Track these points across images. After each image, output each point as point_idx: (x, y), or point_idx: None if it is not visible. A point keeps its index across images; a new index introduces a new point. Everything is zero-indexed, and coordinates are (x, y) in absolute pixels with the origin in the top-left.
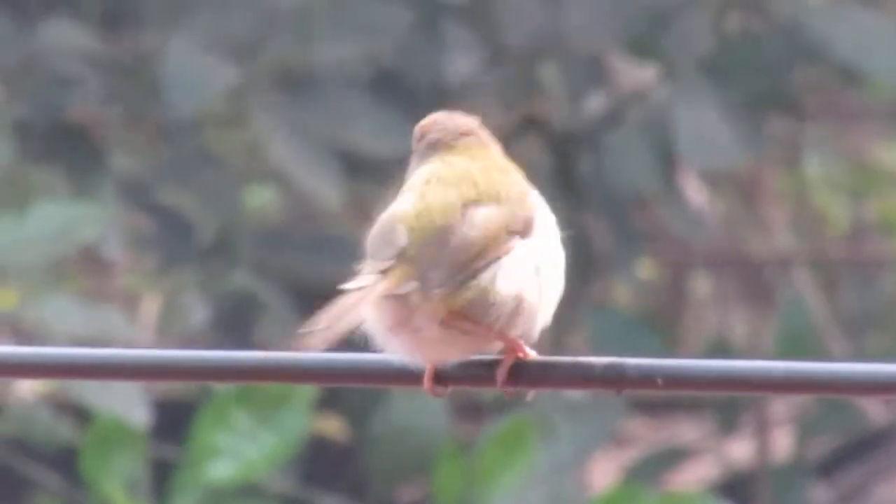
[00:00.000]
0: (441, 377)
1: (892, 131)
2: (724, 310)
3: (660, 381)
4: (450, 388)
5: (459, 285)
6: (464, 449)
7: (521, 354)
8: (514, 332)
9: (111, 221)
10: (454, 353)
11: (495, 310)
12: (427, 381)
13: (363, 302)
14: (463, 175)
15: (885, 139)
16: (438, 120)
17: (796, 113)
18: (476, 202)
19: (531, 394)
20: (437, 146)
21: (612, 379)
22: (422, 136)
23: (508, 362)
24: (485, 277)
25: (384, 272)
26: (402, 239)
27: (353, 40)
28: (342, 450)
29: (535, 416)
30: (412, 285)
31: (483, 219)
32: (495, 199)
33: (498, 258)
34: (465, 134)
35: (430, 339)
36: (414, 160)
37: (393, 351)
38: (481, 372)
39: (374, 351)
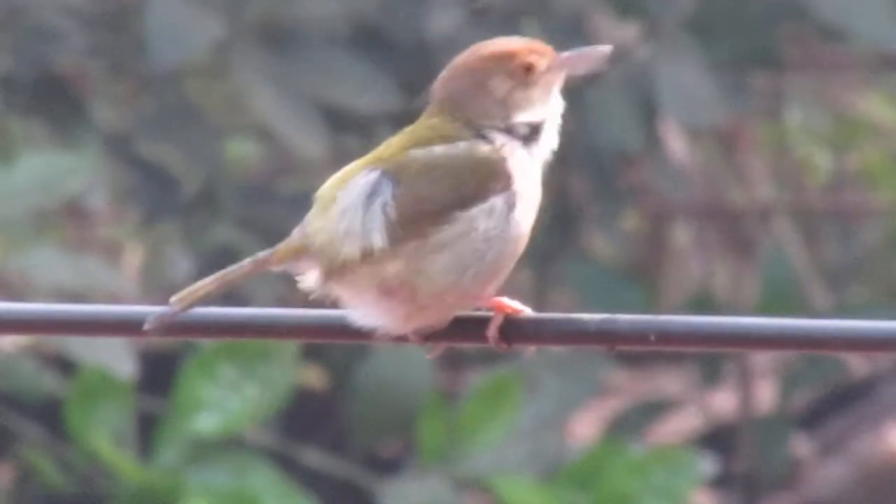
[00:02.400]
0: (432, 335)
1: (872, 83)
2: (706, 261)
3: (652, 337)
4: (443, 345)
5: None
6: (447, 401)
7: (509, 311)
8: (468, 297)
9: (95, 173)
10: (417, 322)
11: (421, 284)
12: (412, 338)
13: (233, 274)
14: (383, 149)
15: (866, 90)
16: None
17: (778, 66)
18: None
19: (531, 349)
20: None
21: (606, 335)
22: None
23: (498, 320)
24: (407, 253)
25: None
26: (309, 216)
27: None
28: (324, 402)
29: (519, 370)
30: (289, 263)
31: (354, 194)
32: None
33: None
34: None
35: (382, 314)
36: None
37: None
38: (474, 329)
39: None
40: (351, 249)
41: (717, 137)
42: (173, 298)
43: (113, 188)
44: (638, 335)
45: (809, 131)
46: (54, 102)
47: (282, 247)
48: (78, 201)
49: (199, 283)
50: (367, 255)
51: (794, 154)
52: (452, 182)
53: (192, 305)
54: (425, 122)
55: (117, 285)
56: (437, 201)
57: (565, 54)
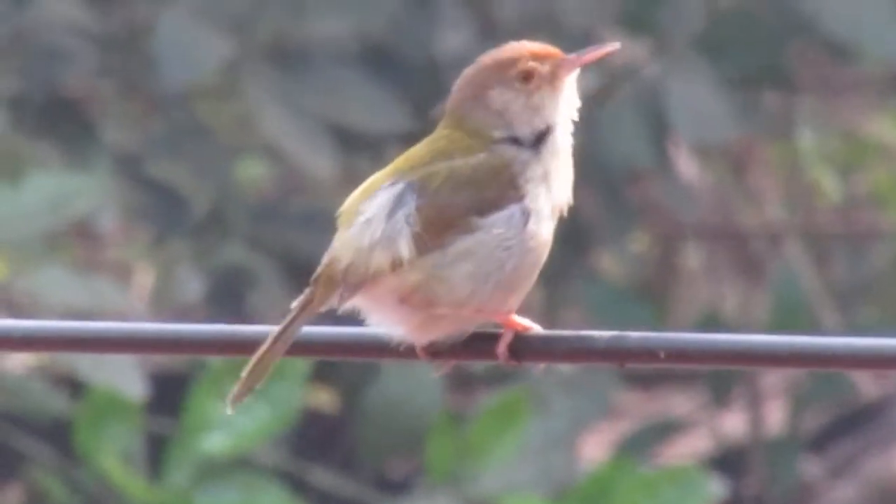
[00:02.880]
0: (442, 352)
1: (883, 104)
2: (716, 282)
3: (662, 354)
4: (452, 363)
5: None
6: (456, 420)
7: (519, 329)
8: (486, 311)
9: (104, 194)
10: (432, 333)
11: (442, 295)
12: (420, 350)
13: (284, 336)
14: (401, 162)
15: (877, 111)
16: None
17: (788, 86)
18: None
19: (541, 367)
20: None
21: (616, 352)
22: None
23: (508, 337)
24: (429, 261)
25: (311, 284)
26: (333, 244)
27: (346, 15)
28: (333, 422)
29: (528, 390)
30: (331, 296)
31: (377, 206)
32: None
33: (436, 242)
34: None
35: (399, 323)
36: None
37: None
38: (483, 346)
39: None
40: (379, 260)
41: (728, 158)
42: (229, 399)
43: (123, 208)
44: (648, 352)
45: (820, 152)
46: (64, 123)
47: (318, 286)
48: (87, 222)
49: (249, 367)
50: (396, 266)
51: (805, 175)
52: (472, 192)
53: (246, 394)
54: (442, 134)
55: (126, 305)
56: (457, 211)
57: (572, 55)
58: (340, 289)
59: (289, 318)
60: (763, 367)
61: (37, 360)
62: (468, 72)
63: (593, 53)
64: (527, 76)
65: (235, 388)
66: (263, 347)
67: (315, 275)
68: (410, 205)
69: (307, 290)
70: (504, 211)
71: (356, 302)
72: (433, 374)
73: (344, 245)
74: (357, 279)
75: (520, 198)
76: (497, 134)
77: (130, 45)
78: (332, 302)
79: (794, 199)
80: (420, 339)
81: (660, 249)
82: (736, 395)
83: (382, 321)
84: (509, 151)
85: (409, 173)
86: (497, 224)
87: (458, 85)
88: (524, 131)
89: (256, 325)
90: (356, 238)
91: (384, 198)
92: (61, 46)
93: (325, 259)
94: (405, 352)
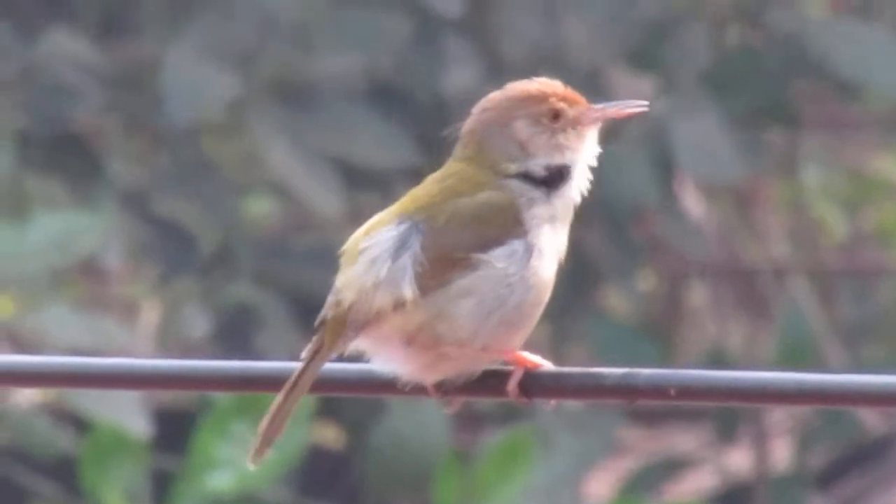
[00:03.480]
0: (452, 389)
1: (888, 142)
2: (721, 319)
3: (672, 391)
4: (462, 400)
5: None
6: (462, 459)
7: (529, 366)
8: (492, 349)
9: (111, 231)
10: (440, 373)
11: (450, 328)
12: (430, 387)
13: (298, 386)
14: (411, 198)
15: (882, 150)
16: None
17: (793, 123)
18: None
19: (552, 403)
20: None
21: (626, 389)
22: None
23: (518, 374)
24: (432, 300)
25: (317, 329)
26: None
27: (353, 52)
28: (338, 459)
29: (534, 429)
30: (342, 339)
31: (382, 245)
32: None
33: (440, 280)
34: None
35: (405, 363)
36: None
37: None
38: (493, 383)
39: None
40: (383, 301)
41: (733, 195)
42: (251, 456)
43: (129, 246)
44: (658, 389)
45: (825, 190)
46: (70, 160)
47: (326, 331)
48: (93, 259)
49: (267, 420)
50: (399, 306)
51: (810, 212)
52: (476, 229)
53: (267, 448)
54: (453, 170)
55: (132, 343)
56: (460, 249)
57: (599, 106)
58: (345, 330)
59: (301, 367)
60: (772, 405)
61: (42, 396)
62: (495, 97)
63: (620, 111)
64: (556, 115)
65: (255, 444)
66: (279, 399)
67: (320, 318)
68: (415, 245)
69: (315, 338)
70: (506, 246)
71: (362, 343)
72: (444, 411)
73: (348, 285)
74: (361, 320)
75: (523, 233)
76: (512, 167)
77: (137, 82)
78: (340, 346)
79: (799, 237)
80: (427, 378)
81: (666, 287)
82: (742, 433)
83: (389, 361)
84: (518, 187)
85: (414, 212)
86: (499, 259)
87: (482, 108)
88: (539, 167)
89: (265, 362)
90: (360, 278)
91: (389, 237)
92: (68, 83)
93: (329, 300)
94: (415, 389)
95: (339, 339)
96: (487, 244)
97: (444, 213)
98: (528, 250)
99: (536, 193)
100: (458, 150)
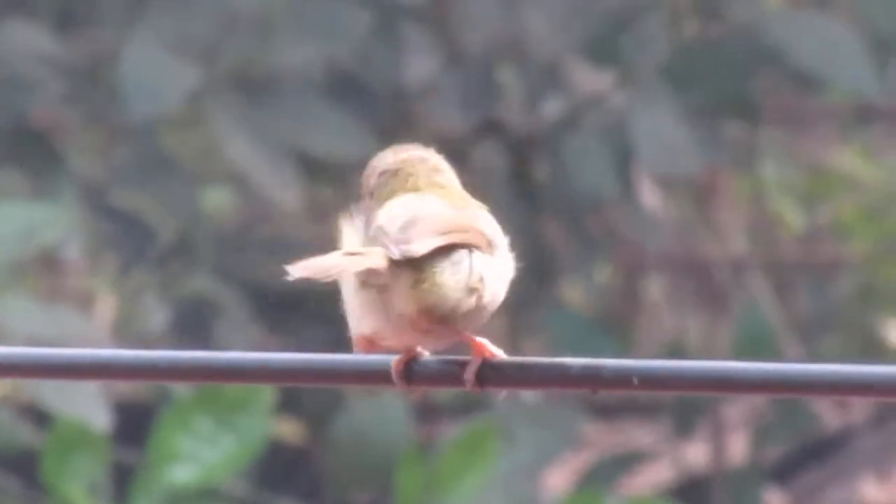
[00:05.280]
0: (410, 377)
1: (846, 135)
2: (679, 313)
3: (636, 380)
4: (422, 389)
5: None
6: (423, 452)
7: (487, 355)
8: (467, 327)
9: (70, 224)
10: (417, 341)
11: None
12: (396, 376)
13: (365, 261)
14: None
15: (840, 143)
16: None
17: (753, 117)
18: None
19: (504, 393)
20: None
21: (589, 379)
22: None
23: (477, 362)
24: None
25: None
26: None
27: (312, 43)
28: (298, 453)
29: (494, 422)
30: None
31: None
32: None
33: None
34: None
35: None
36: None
37: (366, 327)
38: (452, 370)
39: (343, 352)
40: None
41: (691, 189)
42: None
43: (88, 238)
44: (621, 378)
45: (783, 184)
46: (29, 152)
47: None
48: (52, 251)
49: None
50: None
51: (768, 206)
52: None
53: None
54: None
55: (91, 335)
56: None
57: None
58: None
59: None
60: (736, 394)
61: (3, 389)
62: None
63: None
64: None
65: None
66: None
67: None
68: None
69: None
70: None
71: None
72: (407, 397)
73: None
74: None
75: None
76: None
77: (96, 74)
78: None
79: (757, 231)
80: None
81: (623, 280)
82: (699, 426)
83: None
84: None
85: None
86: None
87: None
88: None
89: (224, 353)
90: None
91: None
92: (26, 75)
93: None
94: (378, 378)
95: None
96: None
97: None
98: (497, 244)
99: None
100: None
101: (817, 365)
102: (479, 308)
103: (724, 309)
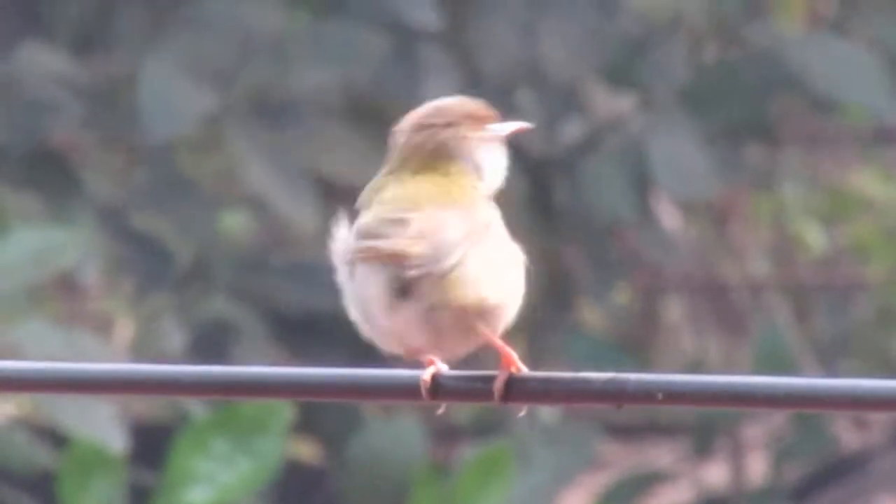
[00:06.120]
0: (436, 392)
1: (865, 157)
2: (698, 335)
3: (660, 395)
4: (448, 403)
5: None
6: (439, 473)
7: (514, 368)
8: (493, 325)
9: (88, 247)
10: (440, 343)
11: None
12: (424, 390)
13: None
14: (426, 189)
15: (859, 165)
16: (432, 114)
17: (771, 139)
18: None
19: (524, 409)
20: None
21: (613, 393)
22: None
23: (505, 374)
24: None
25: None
26: (408, 226)
27: (330, 66)
28: (315, 473)
29: (511, 442)
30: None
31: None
32: (458, 205)
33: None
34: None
35: (421, 323)
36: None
37: (382, 336)
38: (478, 386)
39: (371, 366)
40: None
41: (710, 211)
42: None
43: (106, 261)
44: (646, 393)
45: (802, 205)
46: (47, 175)
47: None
48: (70, 275)
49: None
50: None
51: (787, 228)
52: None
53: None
54: (434, 175)
55: (109, 358)
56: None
57: (500, 126)
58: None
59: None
60: (759, 409)
61: (17, 410)
62: (444, 114)
63: (514, 131)
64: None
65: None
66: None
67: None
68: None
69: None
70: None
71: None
72: (430, 413)
73: (425, 233)
74: (425, 268)
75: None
76: (479, 185)
77: (113, 97)
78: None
79: (776, 252)
80: (428, 352)
81: (642, 302)
82: (718, 447)
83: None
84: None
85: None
86: (507, 245)
87: (430, 123)
88: (489, 189)
89: (248, 367)
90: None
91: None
92: (44, 97)
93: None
94: (404, 393)
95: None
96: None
97: (468, 203)
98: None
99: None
100: (419, 162)
101: (840, 380)
102: (498, 304)
103: (742, 330)
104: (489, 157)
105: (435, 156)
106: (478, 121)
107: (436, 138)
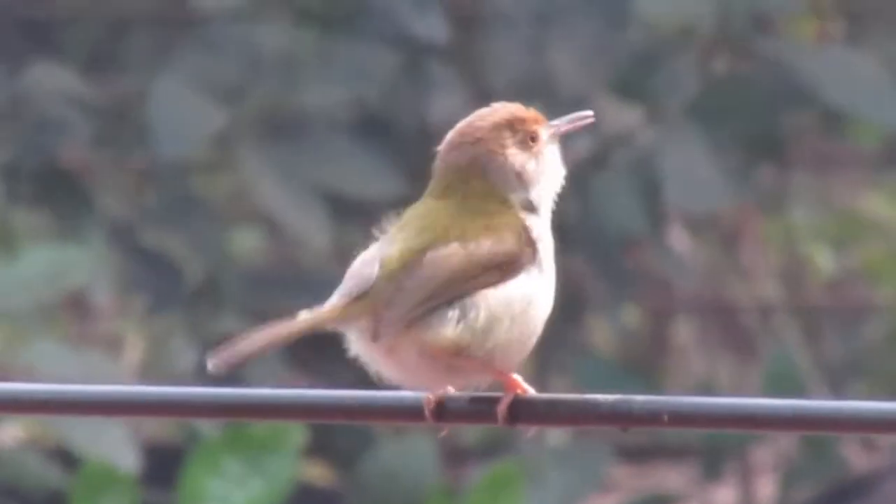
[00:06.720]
0: (441, 414)
1: (876, 180)
2: (707, 356)
3: (666, 417)
4: (452, 426)
5: (418, 319)
6: (450, 494)
7: (519, 391)
8: (495, 364)
9: (98, 266)
10: (442, 382)
11: (470, 341)
12: (428, 412)
13: (293, 328)
14: (435, 219)
15: (869, 188)
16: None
17: (781, 160)
18: (442, 243)
19: (532, 431)
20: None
21: (620, 416)
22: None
23: (508, 399)
24: (454, 313)
25: (346, 305)
26: (368, 280)
27: (339, 84)
28: (326, 495)
29: (520, 463)
30: (367, 318)
31: (441, 259)
32: (461, 238)
33: (467, 293)
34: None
35: (413, 369)
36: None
37: (388, 379)
38: (483, 408)
39: (377, 388)
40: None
41: (720, 232)
42: (210, 362)
43: (117, 279)
44: (651, 416)
45: (812, 228)
46: (58, 194)
47: (344, 304)
48: (81, 294)
49: (246, 342)
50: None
51: (797, 251)
52: (501, 251)
53: (232, 364)
54: (463, 199)
55: (119, 377)
56: (490, 265)
57: (556, 122)
58: (383, 322)
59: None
60: (766, 431)
61: (29, 432)
62: (478, 125)
63: (574, 124)
64: (534, 138)
65: (226, 351)
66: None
67: (351, 297)
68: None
69: (335, 305)
70: (526, 267)
71: (380, 351)
72: (436, 435)
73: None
74: (399, 323)
75: (535, 254)
76: (514, 197)
77: (124, 116)
78: (365, 327)
79: (786, 275)
80: (431, 387)
81: (651, 323)
82: (727, 469)
83: (394, 369)
84: (522, 211)
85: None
86: (522, 279)
87: (472, 138)
88: (537, 195)
89: (257, 389)
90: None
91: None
92: (55, 116)
93: (350, 290)
94: (410, 415)
95: (368, 321)
96: (512, 264)
97: (475, 235)
98: (541, 271)
99: (533, 218)
100: (441, 185)
101: (847, 402)
102: (508, 342)
103: (752, 352)
104: (532, 163)
105: (468, 174)
106: (518, 124)
107: (466, 156)
